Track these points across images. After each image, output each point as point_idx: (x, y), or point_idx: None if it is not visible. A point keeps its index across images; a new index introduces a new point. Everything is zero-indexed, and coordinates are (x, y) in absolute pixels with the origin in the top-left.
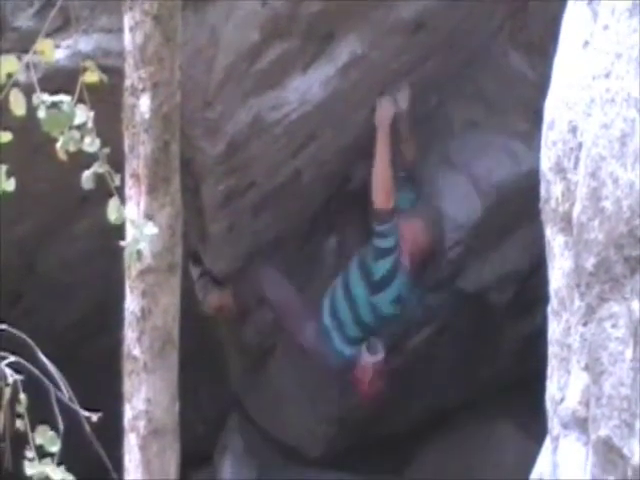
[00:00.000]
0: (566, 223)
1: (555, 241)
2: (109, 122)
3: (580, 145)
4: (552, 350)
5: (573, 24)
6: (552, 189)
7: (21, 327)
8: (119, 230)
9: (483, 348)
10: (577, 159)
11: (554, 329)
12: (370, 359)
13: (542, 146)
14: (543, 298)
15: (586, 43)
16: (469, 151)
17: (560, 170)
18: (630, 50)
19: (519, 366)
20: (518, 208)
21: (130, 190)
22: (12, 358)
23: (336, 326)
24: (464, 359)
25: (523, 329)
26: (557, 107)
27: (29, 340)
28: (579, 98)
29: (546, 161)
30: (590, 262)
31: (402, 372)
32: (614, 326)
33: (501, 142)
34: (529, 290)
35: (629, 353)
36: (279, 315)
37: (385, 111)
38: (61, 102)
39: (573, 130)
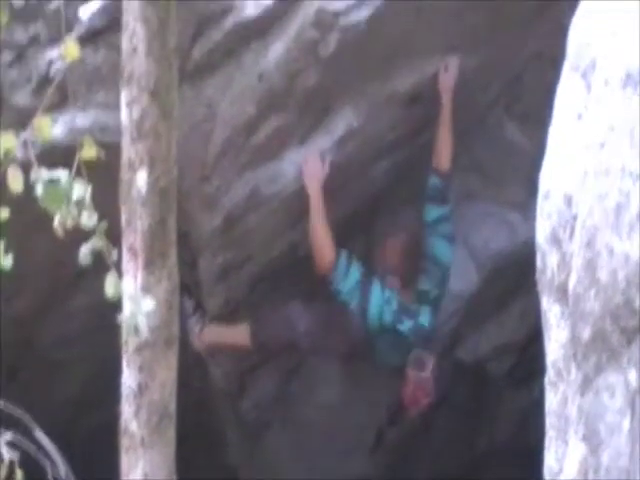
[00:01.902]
0: (562, 294)
1: (551, 311)
2: (106, 197)
3: (575, 216)
4: (550, 421)
5: (567, 96)
6: (548, 260)
7: (18, 402)
8: (116, 305)
9: (481, 419)
10: (572, 230)
11: (551, 400)
12: (414, 374)
13: (537, 217)
14: (541, 368)
15: (580, 115)
16: (466, 221)
17: (556, 241)
18: (624, 122)
19: (517, 437)
20: (515, 278)
21: (127, 264)
22: (9, 435)
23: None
24: (462, 430)
25: (521, 400)
26: (552, 178)
27: (26, 416)
28: (574, 169)
29: (542, 232)
30: (586, 332)
31: (401, 443)
32: (611, 397)
33: (497, 212)
34: (527, 360)
35: (627, 424)
36: (316, 339)
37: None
38: (59, 178)
39: (568, 201)
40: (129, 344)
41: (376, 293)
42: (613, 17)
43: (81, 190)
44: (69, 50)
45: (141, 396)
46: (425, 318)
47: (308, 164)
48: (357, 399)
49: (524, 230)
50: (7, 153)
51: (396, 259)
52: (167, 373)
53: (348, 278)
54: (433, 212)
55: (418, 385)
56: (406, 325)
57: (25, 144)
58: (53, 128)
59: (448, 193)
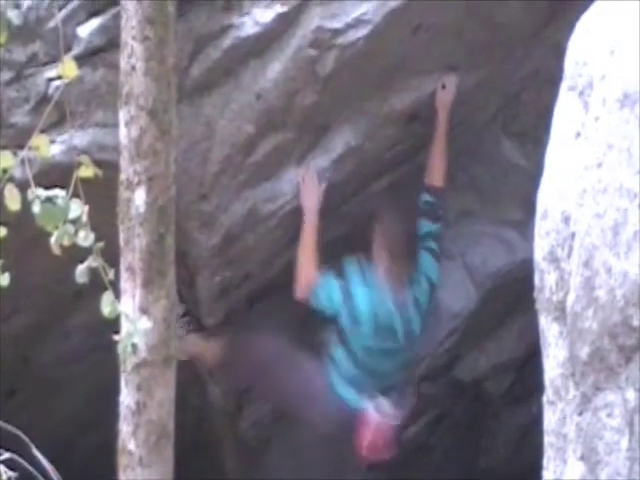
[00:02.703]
0: (560, 312)
1: (549, 330)
2: (104, 215)
3: (573, 235)
4: (548, 440)
5: (565, 115)
6: (546, 278)
7: (15, 422)
8: (113, 324)
9: (480, 438)
10: (570, 248)
11: (550, 419)
12: (376, 416)
13: (535, 235)
14: (539, 387)
15: (578, 134)
16: (463, 240)
17: (554, 259)
18: (621, 141)
19: (516, 456)
20: (513, 297)
21: (125, 283)
22: (6, 454)
23: (336, 369)
24: (461, 448)
25: (519, 418)
26: (550, 197)
27: (23, 436)
28: (572, 188)
29: (540, 250)
30: (585, 351)
31: (400, 461)
32: (609, 415)
33: (495, 231)
34: (525, 379)
35: (625, 443)
36: (278, 389)
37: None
38: (56, 197)
39: (566, 220)
40: (127, 363)
41: (363, 298)
42: (610, 36)
43: (78, 209)
44: (67, 69)
45: (139, 415)
46: (416, 325)
47: (305, 183)
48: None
49: (522, 249)
50: (5, 172)
51: (388, 244)
52: (165, 392)
53: (329, 293)
54: (423, 227)
55: (378, 432)
56: (399, 322)
57: (23, 163)
58: (51, 147)
59: (439, 211)
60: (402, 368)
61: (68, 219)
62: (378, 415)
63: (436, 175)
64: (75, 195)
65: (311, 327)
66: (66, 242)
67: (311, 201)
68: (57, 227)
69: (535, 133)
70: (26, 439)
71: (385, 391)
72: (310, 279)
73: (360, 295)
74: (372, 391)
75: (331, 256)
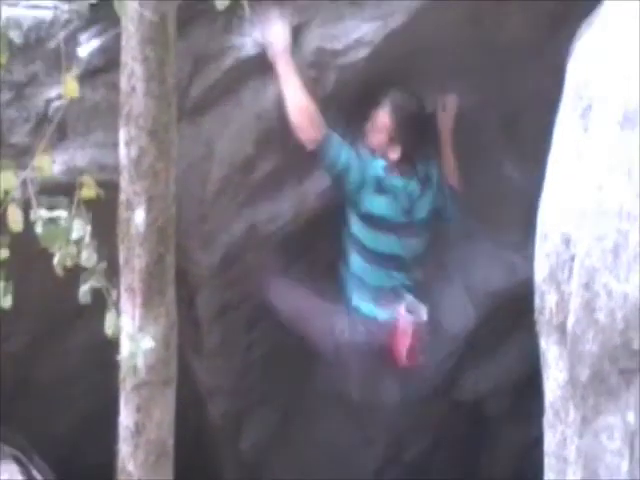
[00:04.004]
0: (560, 334)
1: (550, 352)
2: (103, 235)
3: (573, 256)
4: (548, 462)
5: (565, 136)
6: (546, 300)
7: (14, 442)
8: (113, 343)
9: (480, 459)
10: (571, 270)
11: (550, 441)
12: (410, 319)
13: (536, 257)
14: (539, 408)
15: (578, 155)
16: (463, 262)
17: (554, 281)
18: (622, 163)
19: (516, 477)
20: (513, 318)
21: (125, 303)
22: (6, 474)
23: (357, 285)
24: (461, 469)
25: (520, 440)
26: (550, 219)
27: (21, 456)
28: (572, 210)
29: (540, 272)
30: (585, 374)
31: None
32: (610, 438)
33: (495, 252)
34: (525, 400)
35: (625, 465)
36: (295, 323)
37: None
38: (58, 217)
39: (566, 242)
40: (127, 383)
41: (367, 160)
42: (610, 58)
43: (81, 229)
44: (69, 88)
45: (138, 435)
46: (424, 205)
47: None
48: (356, 438)
49: (523, 270)
50: (7, 193)
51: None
52: (164, 412)
53: (338, 148)
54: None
55: (416, 334)
56: (397, 182)
57: (25, 183)
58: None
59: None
60: (414, 257)
61: (71, 240)
62: (411, 316)
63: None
64: (77, 215)
65: (308, 351)
66: (69, 263)
67: (281, 45)
68: (60, 247)
69: (535, 154)
70: (24, 459)
71: (406, 291)
72: (317, 125)
73: (363, 155)
74: (395, 293)
75: None
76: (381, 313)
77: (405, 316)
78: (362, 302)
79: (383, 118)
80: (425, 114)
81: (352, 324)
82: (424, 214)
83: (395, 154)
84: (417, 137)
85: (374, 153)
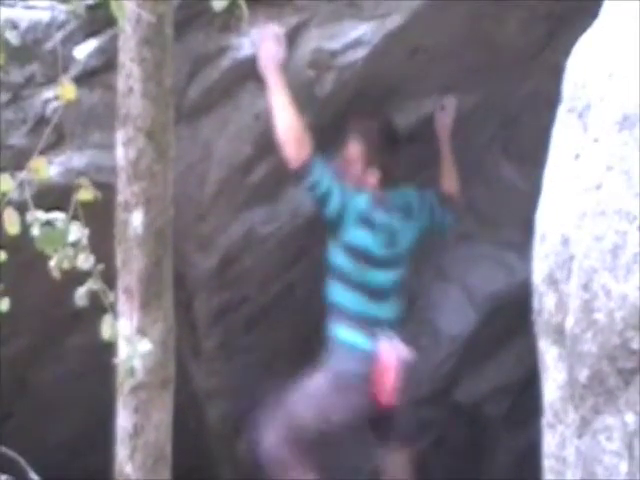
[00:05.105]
0: (559, 335)
1: (548, 353)
2: (100, 237)
3: (572, 257)
4: (547, 463)
5: (564, 137)
6: (545, 301)
7: (12, 444)
8: (111, 346)
9: (479, 461)
10: (569, 271)
11: (549, 442)
12: (393, 354)
13: (534, 258)
14: (539, 410)
15: (577, 156)
16: (462, 263)
17: (552, 282)
18: (620, 163)
19: (515, 479)
20: (512, 319)
21: (123, 306)
22: (3, 478)
23: (338, 314)
24: (460, 472)
25: (519, 441)
26: (549, 219)
27: (20, 459)
28: (570, 210)
29: (538, 273)
30: (584, 374)
31: None
32: (609, 439)
33: (494, 253)
34: (525, 401)
35: (624, 466)
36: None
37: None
38: (55, 220)
39: (565, 242)
40: (124, 385)
41: (344, 189)
42: (609, 58)
43: (78, 232)
44: (66, 90)
45: (136, 438)
46: (405, 237)
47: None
48: (354, 439)
49: (521, 271)
50: (4, 195)
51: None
52: (162, 415)
53: (321, 172)
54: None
55: (398, 371)
56: (381, 217)
57: (22, 185)
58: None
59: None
60: (396, 290)
61: (68, 242)
62: (394, 351)
63: (453, 190)
64: (74, 217)
65: (308, 354)
66: (66, 265)
67: (272, 60)
68: (57, 251)
69: (534, 155)
70: (23, 462)
71: (389, 327)
72: (303, 145)
73: (348, 188)
74: (378, 328)
75: None
76: (364, 341)
77: (388, 350)
78: (343, 330)
79: (352, 149)
80: (391, 128)
81: (336, 355)
82: (407, 245)
83: (373, 177)
84: (390, 153)
85: (357, 187)
